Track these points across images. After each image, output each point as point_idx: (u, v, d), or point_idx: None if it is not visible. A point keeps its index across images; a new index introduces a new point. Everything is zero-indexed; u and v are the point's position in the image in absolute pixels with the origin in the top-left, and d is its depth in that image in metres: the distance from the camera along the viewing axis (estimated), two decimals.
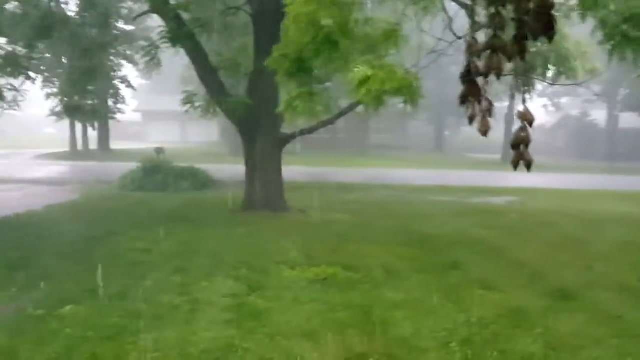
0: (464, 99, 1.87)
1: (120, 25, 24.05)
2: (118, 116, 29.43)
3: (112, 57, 24.41)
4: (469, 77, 1.84)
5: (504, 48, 1.74)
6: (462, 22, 8.17)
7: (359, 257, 7.46)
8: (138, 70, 31.28)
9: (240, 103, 10.68)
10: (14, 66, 11.32)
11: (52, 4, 12.15)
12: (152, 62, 10.45)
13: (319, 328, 4.78)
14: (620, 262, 7.67)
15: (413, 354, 4.30)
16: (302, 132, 11.94)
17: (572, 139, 44.26)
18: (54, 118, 28.62)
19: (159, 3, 10.27)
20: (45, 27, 11.10)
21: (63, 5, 13.11)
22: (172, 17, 10.37)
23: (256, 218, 10.58)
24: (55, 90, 25.54)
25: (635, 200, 15.72)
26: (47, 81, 26.59)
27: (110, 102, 28.13)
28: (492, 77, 1.87)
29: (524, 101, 1.92)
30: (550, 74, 10.43)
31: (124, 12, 22.14)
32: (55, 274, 6.44)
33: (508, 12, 1.74)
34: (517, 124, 1.98)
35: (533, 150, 2.04)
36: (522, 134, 1.88)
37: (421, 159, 32.68)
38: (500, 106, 35.80)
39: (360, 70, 5.70)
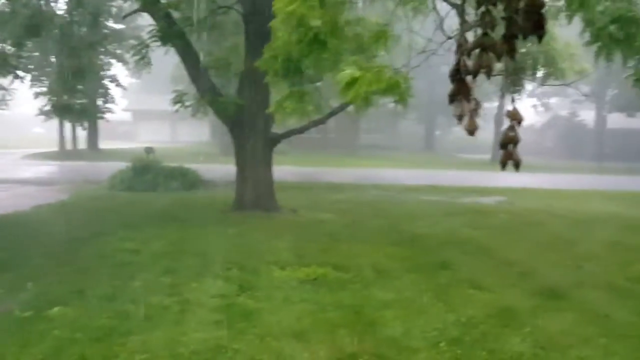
0: (453, 98, 1.87)
1: (110, 23, 23.96)
2: (107, 115, 29.31)
3: (101, 56, 24.30)
4: (458, 75, 1.84)
5: (494, 47, 1.74)
6: (452, 22, 8.21)
7: (350, 257, 7.46)
8: (128, 69, 31.15)
9: (231, 103, 10.65)
10: (2, 65, 11.23)
11: (41, 2, 12.07)
12: (142, 61, 10.39)
13: (309, 328, 4.78)
14: (608, 262, 7.73)
15: (403, 353, 4.31)
16: (293, 132, 11.94)
17: (561, 139, 44.61)
18: (42, 117, 28.45)
19: (149, 2, 10.21)
20: (34, 25, 11.03)
21: (52, 4, 13.00)
22: (162, 16, 10.31)
23: (247, 218, 10.55)
24: (44, 89, 25.41)
25: (623, 200, 15.86)
26: (35, 80, 26.39)
27: (99, 102, 28.00)
28: (481, 77, 1.87)
29: (513, 100, 1.92)
30: (539, 74, 10.51)
31: (114, 10, 22.01)
32: (43, 275, 6.38)
33: (498, 11, 1.74)
34: (506, 124, 1.98)
35: (522, 150, 2.05)
36: (511, 134, 1.89)
37: (411, 159, 32.77)
38: (490, 106, 36.07)
39: (348, 72, 5.70)
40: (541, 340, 4.60)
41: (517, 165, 1.92)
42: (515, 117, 1.86)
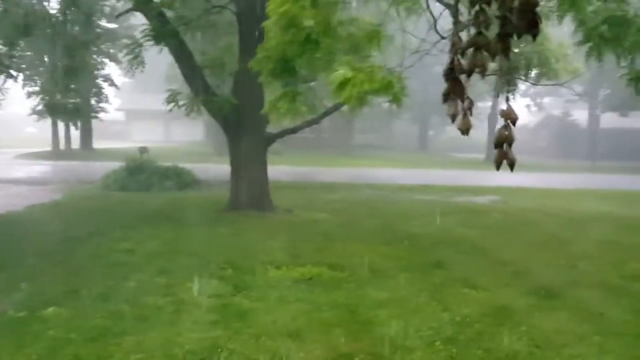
0: (447, 97, 1.87)
1: (103, 23, 23.84)
2: (101, 115, 29.17)
3: (94, 56, 24.18)
4: (452, 74, 1.84)
5: (488, 45, 1.74)
6: (446, 22, 8.22)
7: (344, 257, 7.46)
8: (121, 69, 30.99)
9: (225, 102, 10.62)
10: None
11: (34, 1, 12.00)
12: (136, 60, 10.33)
13: (304, 328, 4.78)
14: (602, 261, 7.77)
15: (398, 353, 4.32)
16: (287, 132, 11.93)
17: (554, 139, 44.82)
18: (35, 117, 28.30)
19: (142, 1, 10.16)
20: (26, 24, 10.95)
21: (45, 3, 12.94)
22: (155, 15, 10.27)
23: (241, 218, 10.54)
24: (36, 88, 25.27)
25: (616, 199, 15.95)
26: (28, 79, 26.23)
27: (92, 101, 27.87)
28: (474, 76, 1.87)
29: (507, 100, 1.93)
30: (532, 74, 10.55)
31: (107, 9, 21.91)
32: (37, 275, 6.35)
33: (492, 10, 1.74)
34: (500, 124, 1.98)
35: (515, 150, 2.04)
36: (505, 133, 1.88)
37: (405, 159, 32.83)
38: (483, 106, 36.21)
39: (340, 72, 5.71)
40: (536, 339, 4.62)
41: (511, 165, 1.92)
42: (510, 117, 1.86)
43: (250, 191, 11.23)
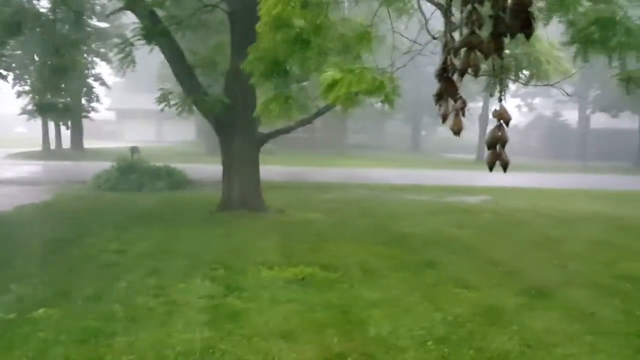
0: (439, 97, 1.86)
1: (94, 22, 23.72)
2: (92, 115, 29.03)
3: (85, 55, 24.04)
4: (445, 74, 1.83)
5: (481, 45, 1.73)
6: (437, 22, 8.24)
7: (337, 257, 7.46)
8: (112, 68, 30.86)
9: (217, 102, 10.58)
10: None
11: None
12: (126, 60, 10.28)
13: (296, 328, 4.77)
14: (593, 260, 7.81)
15: (391, 352, 4.32)
16: (280, 132, 11.91)
17: (544, 139, 45.06)
18: (25, 116, 28.11)
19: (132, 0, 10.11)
20: (16, 23, 10.86)
21: (35, 1, 12.84)
22: (146, 14, 10.22)
23: (233, 218, 10.51)
24: (26, 88, 25.10)
25: (607, 199, 16.07)
26: (18, 79, 26.05)
27: (83, 100, 27.73)
28: (466, 77, 1.86)
29: (500, 100, 1.92)
30: (523, 75, 10.58)
31: (98, 8, 21.82)
32: (27, 276, 6.30)
33: (486, 9, 1.74)
34: (491, 124, 1.96)
35: (507, 150, 2.03)
36: (498, 133, 1.87)
37: (398, 159, 32.90)
38: (474, 106, 36.33)
39: (329, 74, 5.73)
40: (527, 339, 4.63)
41: (505, 167, 1.91)
42: (503, 117, 1.85)
43: (242, 191, 11.20)
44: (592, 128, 40.79)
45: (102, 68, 32.44)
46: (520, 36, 1.80)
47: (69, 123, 25.65)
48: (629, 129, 38.43)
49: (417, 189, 16.91)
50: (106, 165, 15.88)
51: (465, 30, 1.79)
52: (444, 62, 1.87)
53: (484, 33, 1.78)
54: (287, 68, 7.44)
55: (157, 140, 43.66)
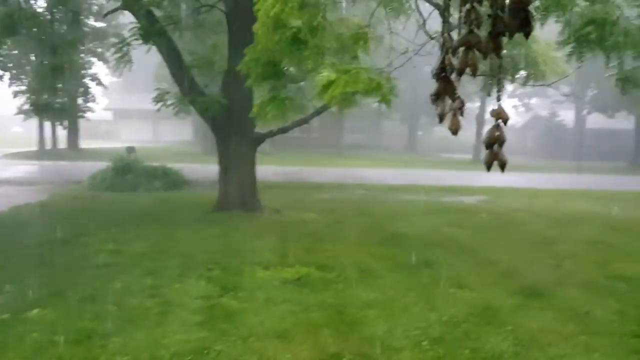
0: (437, 96, 1.85)
1: (91, 22, 23.69)
2: (88, 115, 28.97)
3: (82, 55, 23.99)
4: (443, 74, 1.82)
5: (479, 44, 1.72)
6: (434, 22, 8.24)
7: (333, 257, 7.46)
8: (109, 68, 30.82)
9: (213, 102, 10.57)
10: None
11: None
12: (123, 59, 10.26)
13: (292, 328, 4.76)
14: (588, 260, 7.83)
15: (386, 353, 4.32)
16: (277, 132, 11.90)
17: (541, 139, 45.16)
18: (21, 116, 28.01)
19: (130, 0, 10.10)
20: (13, 23, 10.83)
21: (32, 1, 12.80)
22: (143, 14, 10.20)
23: (230, 218, 10.50)
24: (23, 88, 25.01)
25: (602, 199, 16.10)
26: (14, 79, 25.95)
27: (80, 100, 27.67)
28: (463, 76, 1.86)
29: (498, 99, 1.91)
30: (520, 75, 10.60)
31: (95, 8, 21.78)
32: (22, 276, 6.28)
33: (484, 7, 1.73)
34: (487, 124, 1.96)
35: (503, 150, 2.03)
36: (496, 133, 1.86)
37: (394, 159, 32.93)
38: (471, 106, 36.39)
39: (324, 75, 5.74)
40: (522, 338, 4.64)
41: (502, 167, 1.90)
42: (501, 116, 1.84)
43: (238, 191, 11.19)
44: (588, 128, 40.90)
45: (98, 68, 32.34)
46: (518, 36, 1.79)
47: (65, 123, 25.63)
48: (624, 129, 38.58)
49: (414, 189, 16.92)
50: (102, 165, 15.85)
51: (464, 30, 1.79)
52: (442, 62, 1.86)
53: (482, 33, 1.77)
54: (284, 69, 7.46)
55: (154, 140, 43.60)
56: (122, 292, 5.71)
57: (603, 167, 30.75)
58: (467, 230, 10.09)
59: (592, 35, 6.41)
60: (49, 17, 12.81)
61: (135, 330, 4.63)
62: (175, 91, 11.31)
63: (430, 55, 7.66)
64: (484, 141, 1.92)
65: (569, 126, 43.07)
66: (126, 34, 10.91)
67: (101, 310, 5.14)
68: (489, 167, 1.92)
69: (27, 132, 45.06)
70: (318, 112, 11.78)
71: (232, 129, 11.02)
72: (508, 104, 49.63)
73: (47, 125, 29.57)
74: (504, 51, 1.84)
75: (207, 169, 15.65)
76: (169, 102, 10.92)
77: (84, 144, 32.14)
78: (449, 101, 1.90)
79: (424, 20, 7.72)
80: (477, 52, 1.77)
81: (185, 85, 10.92)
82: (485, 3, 1.74)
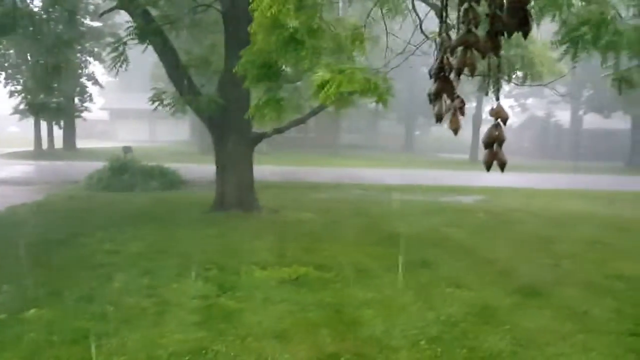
0: (436, 96, 1.84)
1: (87, 21, 23.62)
2: (84, 114, 28.90)
3: (78, 54, 23.93)
4: (441, 73, 1.82)
5: (478, 44, 1.72)
6: (431, 22, 8.25)
7: (331, 256, 7.45)
8: (105, 68, 30.76)
9: (210, 102, 10.55)
10: None
11: None
12: (119, 59, 10.23)
13: (290, 328, 4.76)
14: (585, 260, 7.85)
15: (384, 352, 4.32)
16: (273, 132, 11.88)
17: (537, 139, 45.25)
18: (17, 116, 27.94)
19: None
20: (9, 22, 10.80)
21: (27, 0, 12.77)
22: (139, 13, 10.18)
23: (227, 218, 10.49)
24: (19, 87, 24.94)
25: (599, 199, 16.14)
26: (10, 78, 25.86)
27: (76, 100, 27.60)
28: (463, 76, 1.85)
29: (497, 98, 1.90)
30: (516, 76, 10.62)
31: (91, 8, 21.73)
32: (18, 276, 6.25)
33: (482, 7, 1.73)
34: (484, 124, 1.96)
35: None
36: (496, 133, 1.86)
37: (392, 159, 32.94)
38: (468, 106, 36.41)
39: (319, 74, 5.76)
40: (520, 338, 4.64)
41: (502, 166, 1.89)
42: (500, 115, 1.84)
43: (236, 191, 11.17)
44: (584, 128, 40.99)
45: (95, 67, 32.32)
46: (515, 36, 1.79)
47: (62, 123, 25.56)
48: (621, 130, 38.66)
49: (411, 189, 16.93)
50: (99, 165, 15.81)
51: (461, 29, 1.79)
52: (441, 61, 1.86)
53: (480, 32, 1.77)
54: (281, 68, 7.45)
55: (150, 140, 43.53)
56: (120, 292, 5.69)
57: (600, 167, 30.82)
58: (465, 230, 10.10)
59: (587, 36, 6.42)
60: (44, 16, 12.77)
61: (133, 330, 4.62)
62: (171, 91, 11.29)
63: (426, 56, 7.68)
64: (484, 141, 1.91)
65: (565, 126, 43.17)
66: (122, 33, 10.89)
67: (98, 310, 5.12)
68: (488, 167, 1.91)
69: (23, 131, 44.98)
70: (315, 112, 11.78)
71: (229, 129, 11.01)
72: (504, 104, 49.55)
73: (44, 125, 29.47)
74: (502, 51, 1.83)
75: (204, 169, 15.64)
76: (165, 102, 10.89)
77: (81, 143, 32.05)
78: (448, 101, 1.89)
79: (421, 21, 7.72)
80: (475, 52, 1.77)
81: (182, 85, 10.90)
82: (483, 2, 1.74)
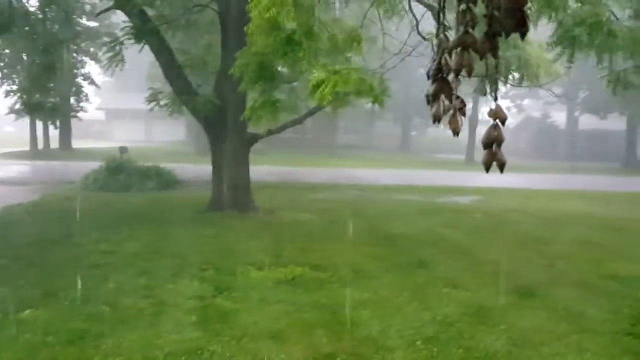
0: (434, 97, 1.84)
1: (83, 21, 23.56)
2: (80, 114, 28.80)
3: (74, 54, 23.87)
4: (440, 74, 1.82)
5: (475, 45, 1.72)
6: (427, 23, 8.26)
7: (327, 257, 7.46)
8: (101, 67, 30.68)
9: (207, 102, 10.55)
10: None
11: None
12: (116, 58, 10.22)
13: (286, 329, 4.76)
14: (581, 260, 7.88)
15: (380, 352, 4.32)
16: (268, 133, 11.87)
17: (533, 140, 45.35)
18: (13, 116, 27.81)
19: None
20: (4, 22, 10.77)
21: (24, 0, 12.73)
22: (136, 13, 10.17)
23: (223, 218, 10.47)
24: (14, 87, 24.84)
25: (594, 199, 16.19)
26: (6, 78, 25.76)
27: (72, 100, 27.52)
28: (461, 77, 1.85)
29: (495, 99, 1.91)
30: (513, 77, 10.65)
31: (87, 7, 21.67)
32: (14, 277, 6.23)
33: (478, 9, 1.73)
34: (481, 125, 1.96)
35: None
36: (494, 133, 1.86)
37: (388, 159, 32.96)
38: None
39: (316, 75, 5.78)
40: (515, 338, 4.66)
41: (501, 167, 1.89)
42: (499, 116, 1.84)
43: (232, 191, 11.16)
44: (580, 129, 41.13)
45: (91, 67, 32.15)
46: (511, 38, 1.80)
47: (57, 123, 25.45)
48: (616, 130, 38.80)
49: (408, 189, 16.94)
50: (95, 165, 15.76)
51: (459, 30, 1.79)
52: (439, 63, 1.86)
53: (478, 33, 1.77)
54: (279, 68, 7.46)
55: (147, 140, 43.39)
56: (115, 293, 5.69)
57: (595, 168, 30.92)
58: (461, 231, 10.12)
59: (583, 37, 6.44)
60: (40, 16, 12.74)
61: (129, 331, 4.61)
62: (168, 91, 11.28)
63: (423, 56, 7.71)
64: (483, 141, 1.91)
65: (561, 127, 43.29)
66: (119, 33, 10.87)
67: (94, 310, 5.11)
68: (488, 167, 1.90)
69: (19, 131, 44.72)
70: (311, 113, 11.78)
71: (225, 129, 11.00)
72: (501, 105, 49.74)
73: (39, 124, 29.36)
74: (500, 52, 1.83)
75: (200, 169, 15.62)
76: (162, 102, 10.89)
77: (76, 143, 31.94)
78: (446, 101, 1.89)
79: (417, 22, 7.74)
80: (473, 53, 1.77)
81: (178, 85, 10.90)
82: (481, 4, 1.75)
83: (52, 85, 15.65)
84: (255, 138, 11.63)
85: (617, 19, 6.85)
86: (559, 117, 43.09)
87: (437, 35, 1.92)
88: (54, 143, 30.76)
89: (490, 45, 1.71)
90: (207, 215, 10.82)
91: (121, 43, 10.05)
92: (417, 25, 7.67)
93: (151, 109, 11.05)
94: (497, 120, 1.81)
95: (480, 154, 1.92)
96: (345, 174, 21.83)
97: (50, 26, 13.73)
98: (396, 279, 6.50)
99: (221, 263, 6.96)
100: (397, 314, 5.22)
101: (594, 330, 4.90)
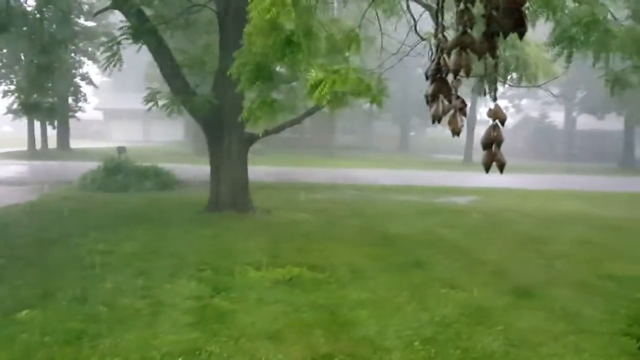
0: (433, 97, 1.84)
1: (81, 21, 23.54)
2: (78, 114, 28.76)
3: (72, 54, 23.83)
4: (439, 75, 1.82)
5: (474, 45, 1.72)
6: (425, 23, 8.27)
7: (325, 257, 7.45)
8: (99, 67, 30.64)
9: (205, 102, 10.53)
10: None
11: None
12: (114, 59, 10.19)
13: (284, 329, 4.75)
14: (578, 260, 7.89)
15: (378, 353, 4.32)
16: (265, 133, 11.86)
17: (531, 140, 45.44)
18: (10, 116, 27.75)
19: None
20: (2, 21, 10.75)
21: (21, 0, 12.70)
22: (134, 13, 10.15)
23: (221, 218, 10.46)
24: (12, 87, 24.80)
25: (592, 199, 16.21)
26: (3, 78, 25.72)
27: (70, 100, 27.48)
28: (460, 77, 1.85)
29: (494, 99, 1.90)
30: (511, 77, 10.66)
31: (85, 7, 21.65)
32: (11, 277, 6.22)
33: (478, 9, 1.73)
34: (479, 125, 1.96)
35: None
36: (494, 133, 1.85)
37: (386, 159, 32.98)
38: None
39: (313, 75, 5.78)
40: (513, 338, 4.66)
41: (501, 167, 1.88)
42: (498, 116, 1.83)
43: (230, 192, 11.15)
44: (578, 129, 41.25)
45: (89, 67, 32.11)
46: (509, 38, 1.79)
47: (55, 123, 25.41)
48: (614, 131, 38.89)
49: (406, 190, 16.95)
50: (93, 165, 15.74)
51: (456, 30, 1.79)
52: (438, 63, 1.85)
53: (476, 33, 1.77)
54: (277, 69, 7.45)
55: (145, 140, 43.39)
56: (113, 293, 5.67)
57: (593, 168, 30.97)
58: (459, 231, 10.12)
59: (579, 36, 6.45)
60: (38, 15, 12.70)
61: (126, 331, 4.61)
62: (166, 91, 11.25)
63: (421, 56, 7.71)
64: (482, 141, 1.90)
65: (559, 127, 43.39)
66: (117, 33, 10.84)
67: (92, 311, 5.10)
68: (487, 167, 1.89)
69: (16, 131, 44.73)
70: (310, 113, 11.77)
71: (223, 129, 10.99)
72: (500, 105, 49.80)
73: (37, 125, 29.31)
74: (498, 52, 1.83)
75: (198, 169, 15.61)
76: (160, 102, 10.85)
77: (74, 143, 31.90)
78: (446, 102, 1.89)
79: (415, 22, 7.74)
80: (471, 53, 1.77)
81: (177, 85, 10.88)
82: (479, 4, 1.74)
83: (50, 85, 15.62)
84: (253, 138, 11.61)
85: (616, 19, 6.86)
86: (557, 117, 43.19)
87: (435, 35, 1.92)
88: (52, 143, 30.72)
89: (489, 45, 1.70)
90: (205, 216, 10.81)
91: (119, 43, 10.02)
92: (415, 25, 7.67)
93: (149, 109, 11.00)
94: (497, 121, 1.81)
95: (478, 154, 1.92)
96: (344, 174, 21.83)
97: (48, 26, 13.69)
98: (394, 279, 6.50)
99: (219, 263, 6.95)
100: (395, 314, 5.22)
101: (591, 331, 4.90)
